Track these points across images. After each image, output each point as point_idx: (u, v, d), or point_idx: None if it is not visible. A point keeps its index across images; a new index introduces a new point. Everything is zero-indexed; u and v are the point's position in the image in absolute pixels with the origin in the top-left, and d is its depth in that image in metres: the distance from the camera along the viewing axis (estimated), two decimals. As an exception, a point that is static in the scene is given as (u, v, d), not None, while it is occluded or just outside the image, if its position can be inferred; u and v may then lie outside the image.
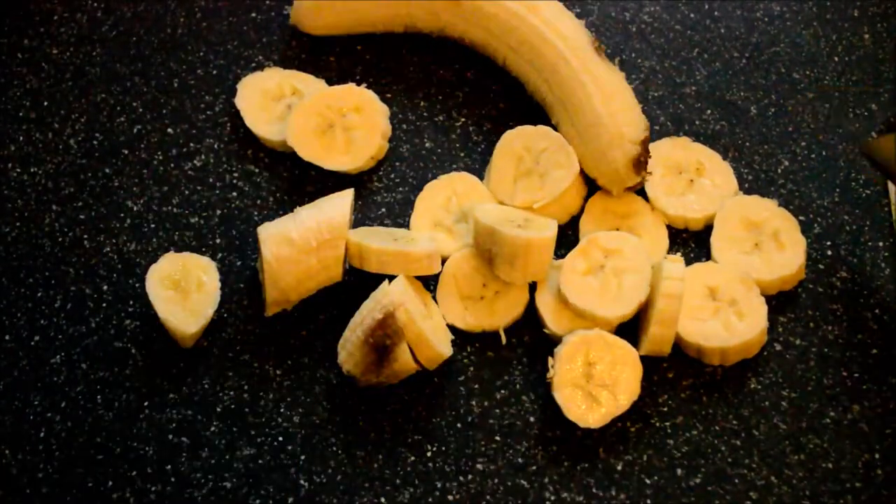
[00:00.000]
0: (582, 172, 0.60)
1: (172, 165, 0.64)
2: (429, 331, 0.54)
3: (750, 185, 0.63)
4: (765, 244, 0.59)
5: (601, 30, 0.68)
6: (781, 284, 0.58)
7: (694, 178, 0.61)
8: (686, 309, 0.56)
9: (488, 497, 0.53)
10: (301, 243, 0.55)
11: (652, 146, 0.61)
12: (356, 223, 0.61)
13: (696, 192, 0.61)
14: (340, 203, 0.57)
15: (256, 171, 0.64)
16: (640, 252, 0.57)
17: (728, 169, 0.62)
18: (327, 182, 0.63)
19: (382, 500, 0.53)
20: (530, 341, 0.58)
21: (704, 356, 0.56)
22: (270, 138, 0.63)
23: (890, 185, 0.62)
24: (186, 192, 0.62)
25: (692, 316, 0.56)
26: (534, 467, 0.54)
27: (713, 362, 0.56)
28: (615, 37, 0.66)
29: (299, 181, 0.63)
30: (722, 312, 0.56)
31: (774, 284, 0.58)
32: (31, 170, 0.64)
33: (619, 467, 0.54)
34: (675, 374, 0.57)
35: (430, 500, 0.53)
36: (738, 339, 0.56)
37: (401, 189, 0.63)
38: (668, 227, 0.61)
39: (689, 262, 0.59)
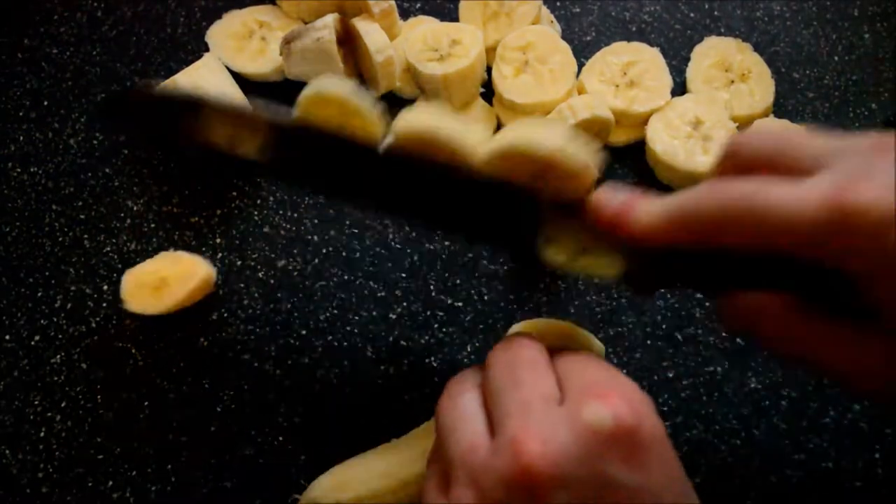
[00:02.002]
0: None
1: (172, 165, 0.64)
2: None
3: (750, 184, 0.63)
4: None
5: (601, 29, 0.68)
6: (750, 121, 0.63)
7: (736, 80, 0.64)
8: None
9: (488, 497, 0.53)
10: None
11: (715, 41, 0.66)
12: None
13: (732, 94, 0.64)
14: None
15: (256, 170, 0.64)
16: (549, 36, 0.63)
17: (770, 88, 0.64)
18: (327, 182, 0.63)
19: (382, 500, 0.53)
20: (530, 341, 0.58)
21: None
22: (260, 72, 0.65)
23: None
24: (186, 192, 0.62)
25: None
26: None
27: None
28: (615, 37, 0.66)
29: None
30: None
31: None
32: (31, 170, 0.64)
33: (619, 467, 0.54)
34: (674, 374, 0.57)
35: (430, 500, 0.53)
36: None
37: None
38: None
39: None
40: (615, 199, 0.41)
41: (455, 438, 0.40)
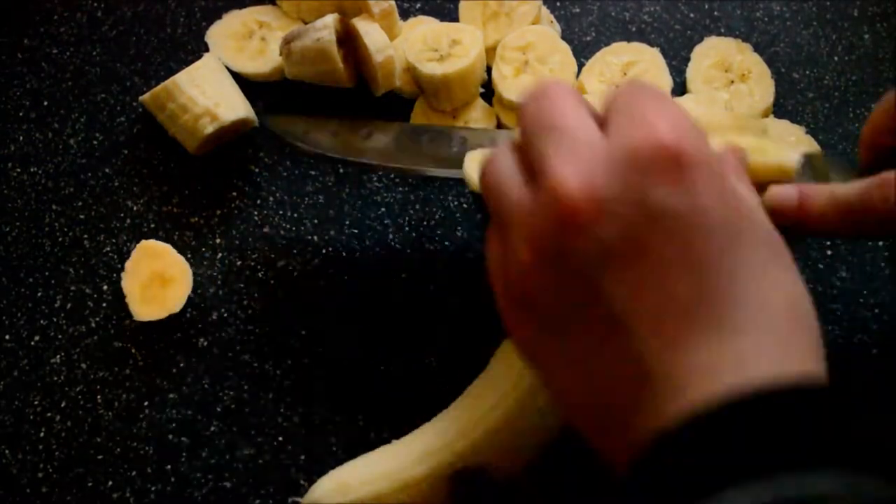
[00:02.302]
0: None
1: (172, 165, 0.64)
2: None
3: (750, 184, 0.63)
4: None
5: (601, 29, 0.68)
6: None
7: (735, 81, 0.64)
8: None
9: (488, 497, 0.53)
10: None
11: (715, 41, 0.66)
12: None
13: (731, 94, 0.64)
14: None
15: (256, 170, 0.64)
16: (549, 36, 0.63)
17: (770, 88, 0.64)
18: (328, 181, 0.63)
19: (382, 500, 0.53)
20: (530, 341, 0.58)
21: None
22: (260, 72, 0.65)
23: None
24: (186, 192, 0.62)
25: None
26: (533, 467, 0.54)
27: None
28: (615, 37, 0.66)
29: (299, 181, 0.63)
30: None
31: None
32: (31, 170, 0.64)
33: (619, 467, 0.54)
34: (675, 373, 0.57)
35: (430, 500, 0.53)
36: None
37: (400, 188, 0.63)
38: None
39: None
40: (790, 192, 0.45)
41: (500, 201, 0.39)
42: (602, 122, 0.39)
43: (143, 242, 0.59)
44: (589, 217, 0.36)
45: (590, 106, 0.41)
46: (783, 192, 0.45)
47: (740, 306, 0.35)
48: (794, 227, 0.44)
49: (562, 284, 0.37)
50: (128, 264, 0.58)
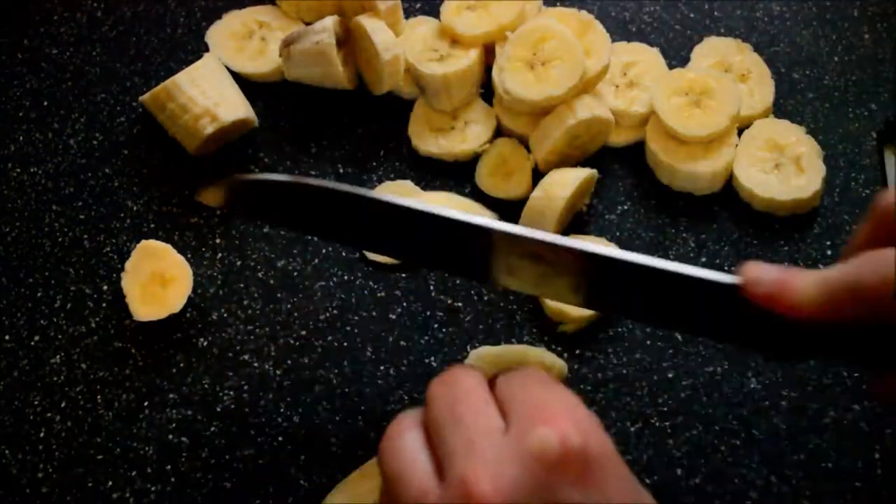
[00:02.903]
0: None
1: (172, 165, 0.64)
2: None
3: (750, 185, 0.63)
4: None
5: (601, 30, 0.68)
6: (795, 207, 0.61)
7: (735, 80, 0.63)
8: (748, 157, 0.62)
9: (488, 497, 0.53)
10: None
11: (715, 41, 0.66)
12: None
13: None
14: None
15: (256, 170, 0.64)
16: (560, 32, 0.60)
17: (770, 88, 0.64)
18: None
19: (382, 500, 0.53)
20: (529, 342, 0.58)
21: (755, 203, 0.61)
22: (260, 72, 0.65)
23: (890, 185, 0.62)
24: (186, 192, 0.62)
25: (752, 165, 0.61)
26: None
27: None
28: (615, 37, 0.66)
29: (299, 181, 0.63)
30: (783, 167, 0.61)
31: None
32: (31, 170, 0.64)
33: (619, 467, 0.54)
34: (674, 374, 0.57)
35: (430, 500, 0.53)
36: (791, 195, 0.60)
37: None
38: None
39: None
40: (769, 273, 0.40)
41: (403, 485, 0.39)
42: (501, 410, 0.40)
43: (144, 243, 0.59)
44: None
45: (489, 393, 0.41)
46: (762, 269, 0.40)
47: None
48: (774, 308, 0.40)
49: None
50: (128, 264, 0.58)
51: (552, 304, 0.57)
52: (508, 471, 0.37)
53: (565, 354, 0.57)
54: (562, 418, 0.38)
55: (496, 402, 0.41)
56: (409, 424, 0.42)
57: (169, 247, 0.59)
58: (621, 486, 0.37)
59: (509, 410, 0.40)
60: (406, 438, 0.41)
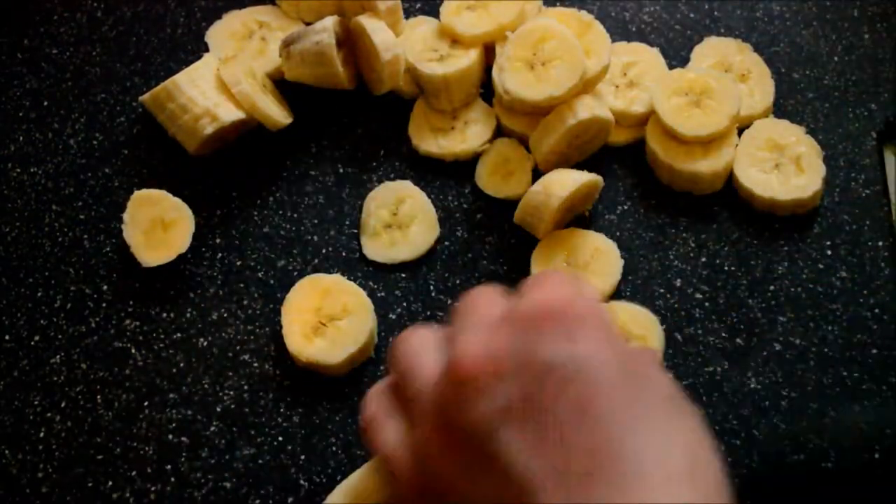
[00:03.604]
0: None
1: (172, 165, 0.64)
2: None
3: (750, 185, 0.63)
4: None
5: (601, 30, 0.68)
6: (795, 207, 0.61)
7: (735, 80, 0.63)
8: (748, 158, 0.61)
9: (488, 497, 0.53)
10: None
11: (715, 41, 0.66)
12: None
13: None
14: None
15: (256, 170, 0.64)
16: (560, 31, 0.60)
17: (770, 88, 0.64)
18: (328, 181, 0.63)
19: (382, 500, 0.53)
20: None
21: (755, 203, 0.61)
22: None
23: (890, 185, 0.62)
24: (186, 193, 0.62)
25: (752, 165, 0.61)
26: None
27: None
28: (615, 37, 0.66)
29: (299, 181, 0.63)
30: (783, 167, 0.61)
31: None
32: (31, 170, 0.64)
33: (619, 467, 0.54)
34: (674, 374, 0.57)
35: (430, 500, 0.53)
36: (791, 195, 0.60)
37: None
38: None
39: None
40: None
41: (411, 377, 0.40)
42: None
43: (137, 192, 0.60)
44: (485, 378, 0.36)
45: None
46: None
47: (644, 454, 0.35)
48: None
49: (466, 451, 0.37)
50: (125, 216, 0.59)
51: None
52: (499, 337, 0.37)
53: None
54: (551, 289, 0.39)
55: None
56: (418, 328, 0.43)
57: (163, 191, 0.59)
58: (604, 344, 0.37)
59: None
60: (417, 335, 0.42)
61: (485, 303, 0.41)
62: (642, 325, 0.56)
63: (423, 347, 0.41)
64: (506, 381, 0.36)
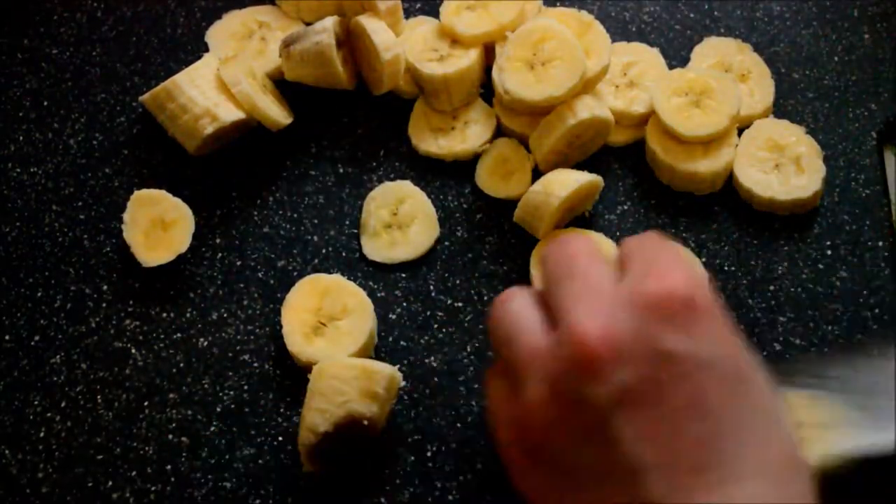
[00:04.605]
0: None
1: (172, 165, 0.64)
2: None
3: (750, 185, 0.63)
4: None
5: (601, 30, 0.68)
6: (795, 207, 0.61)
7: (735, 81, 0.63)
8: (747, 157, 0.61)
9: (488, 497, 0.53)
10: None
11: (715, 41, 0.66)
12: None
13: None
14: None
15: (256, 170, 0.64)
16: (559, 31, 0.60)
17: (770, 88, 0.64)
18: (328, 181, 0.63)
19: (382, 500, 0.53)
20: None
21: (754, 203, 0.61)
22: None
23: (890, 185, 0.62)
24: (186, 193, 0.62)
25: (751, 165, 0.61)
26: (534, 467, 0.54)
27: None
28: (615, 37, 0.66)
29: (299, 181, 0.63)
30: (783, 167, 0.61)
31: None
32: (31, 170, 0.64)
33: (619, 467, 0.54)
34: (675, 374, 0.57)
35: (429, 500, 0.53)
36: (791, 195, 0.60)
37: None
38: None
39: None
40: None
41: (516, 344, 0.40)
42: (619, 267, 0.41)
43: (138, 192, 0.60)
44: (607, 361, 0.37)
45: (605, 256, 0.43)
46: None
47: (744, 453, 0.37)
48: None
49: (576, 427, 0.38)
50: (125, 216, 0.59)
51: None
52: (617, 318, 0.38)
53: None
54: (672, 272, 0.39)
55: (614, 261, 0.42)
56: (515, 290, 0.43)
57: (163, 191, 0.59)
58: (723, 341, 0.39)
59: (625, 266, 0.41)
60: (515, 302, 0.42)
61: (591, 268, 0.41)
62: None
63: (525, 310, 0.41)
64: (626, 365, 0.37)
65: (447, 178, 0.63)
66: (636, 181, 0.63)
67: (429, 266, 0.60)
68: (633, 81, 0.64)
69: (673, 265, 0.40)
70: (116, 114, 0.66)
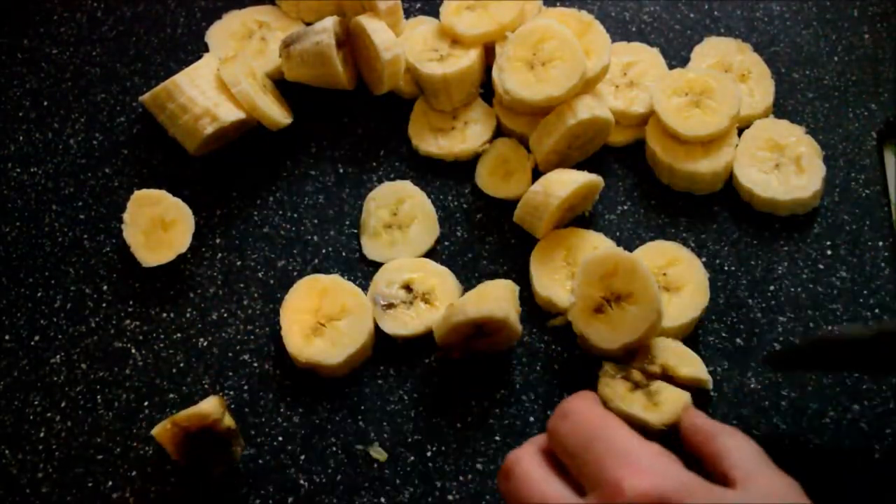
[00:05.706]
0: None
1: (172, 165, 0.64)
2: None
3: (750, 185, 0.63)
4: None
5: (601, 30, 0.68)
6: (795, 207, 0.61)
7: (735, 80, 0.63)
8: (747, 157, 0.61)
9: (488, 497, 0.53)
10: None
11: (715, 41, 0.66)
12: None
13: None
14: None
15: (256, 170, 0.64)
16: (559, 32, 0.60)
17: (770, 88, 0.64)
18: (328, 181, 0.63)
19: (382, 500, 0.53)
20: (529, 341, 0.58)
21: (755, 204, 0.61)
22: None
23: (890, 185, 0.62)
24: (186, 193, 0.62)
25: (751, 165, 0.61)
26: (534, 467, 0.54)
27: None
28: (615, 37, 0.66)
29: (299, 181, 0.63)
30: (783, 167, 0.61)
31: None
32: (31, 170, 0.64)
33: (619, 467, 0.54)
34: (675, 374, 0.57)
35: (429, 500, 0.53)
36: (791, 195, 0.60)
37: (401, 189, 0.63)
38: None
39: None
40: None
41: None
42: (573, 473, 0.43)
43: (137, 192, 0.60)
44: None
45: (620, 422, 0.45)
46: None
47: None
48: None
49: None
50: (125, 216, 0.59)
51: (543, 295, 0.58)
52: (660, 472, 0.41)
53: (557, 349, 0.57)
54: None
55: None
56: (523, 453, 0.44)
57: (163, 191, 0.59)
58: None
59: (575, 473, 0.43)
60: (525, 465, 0.43)
61: (615, 424, 0.44)
62: (690, 365, 0.55)
63: (540, 475, 0.43)
64: None
65: (447, 178, 0.63)
66: (636, 181, 0.63)
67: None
68: (633, 81, 0.64)
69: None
70: (116, 114, 0.66)
